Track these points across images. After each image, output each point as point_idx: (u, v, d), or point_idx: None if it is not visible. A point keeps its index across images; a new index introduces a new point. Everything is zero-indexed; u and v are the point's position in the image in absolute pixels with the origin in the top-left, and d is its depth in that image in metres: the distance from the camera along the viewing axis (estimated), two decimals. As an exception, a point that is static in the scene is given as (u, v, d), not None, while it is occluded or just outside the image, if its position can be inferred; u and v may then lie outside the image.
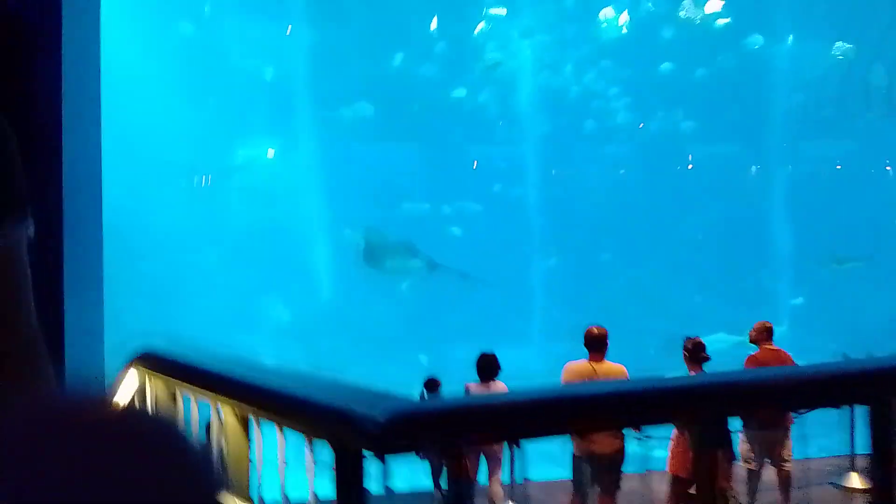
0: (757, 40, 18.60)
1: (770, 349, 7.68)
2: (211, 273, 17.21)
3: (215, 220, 17.72)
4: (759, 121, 19.02)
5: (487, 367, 7.40)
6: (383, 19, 18.52)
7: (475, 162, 19.17)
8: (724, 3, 18.24)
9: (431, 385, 8.65)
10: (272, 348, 14.04)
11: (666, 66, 18.54)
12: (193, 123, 17.25)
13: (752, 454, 7.54)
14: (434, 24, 18.38)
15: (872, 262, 16.32)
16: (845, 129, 18.45)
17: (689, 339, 6.93)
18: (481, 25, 18.70)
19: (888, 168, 18.96)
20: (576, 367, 6.97)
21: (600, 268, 18.07)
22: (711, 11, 18.31)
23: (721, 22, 18.32)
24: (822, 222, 17.30)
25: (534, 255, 18.53)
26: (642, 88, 18.75)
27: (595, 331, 6.95)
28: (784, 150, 19.27)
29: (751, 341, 7.80)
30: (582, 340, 7.00)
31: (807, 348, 14.68)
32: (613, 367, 6.84)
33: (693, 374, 6.62)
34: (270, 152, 18.79)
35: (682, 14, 18.43)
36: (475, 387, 7.36)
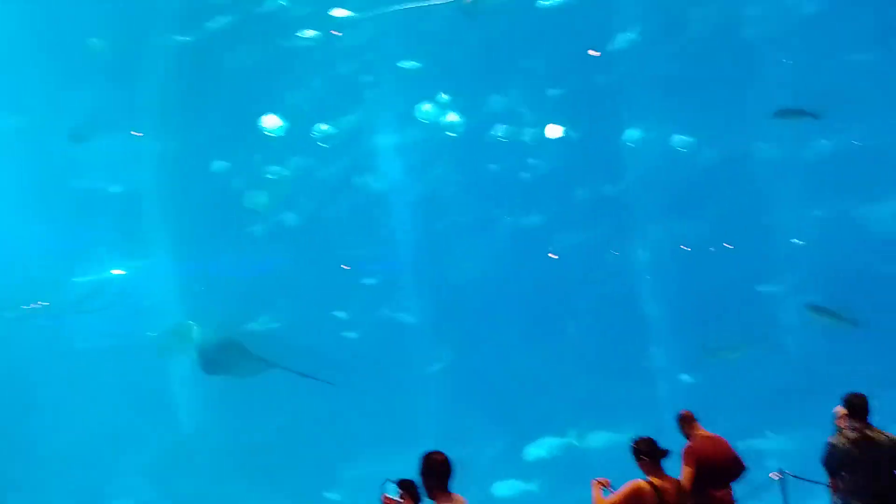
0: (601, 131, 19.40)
1: (706, 436, 7.33)
2: (57, 411, 15.22)
3: (60, 348, 15.83)
4: (612, 207, 19.76)
5: (444, 471, 5.06)
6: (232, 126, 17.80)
7: (345, 266, 18.52)
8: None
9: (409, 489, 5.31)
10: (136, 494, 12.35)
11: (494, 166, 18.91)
12: (29, 245, 15.60)
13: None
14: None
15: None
16: (692, 211, 19.50)
17: (639, 440, 6.29)
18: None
19: (729, 246, 20.06)
20: None
21: (486, 362, 17.67)
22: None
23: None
24: (687, 300, 17.97)
25: (419, 356, 17.88)
26: (484, 187, 19.05)
27: (438, 457, 5.06)
28: (638, 232, 20.04)
29: (683, 434, 7.41)
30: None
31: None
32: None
33: (653, 477, 6.03)
34: (119, 272, 17.22)
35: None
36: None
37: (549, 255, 19.91)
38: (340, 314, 17.46)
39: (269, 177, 17.34)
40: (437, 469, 5.03)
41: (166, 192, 17.69)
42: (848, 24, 17.61)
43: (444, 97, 17.44)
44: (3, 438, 14.49)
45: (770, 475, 8.70)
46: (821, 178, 18.20)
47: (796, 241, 19.48)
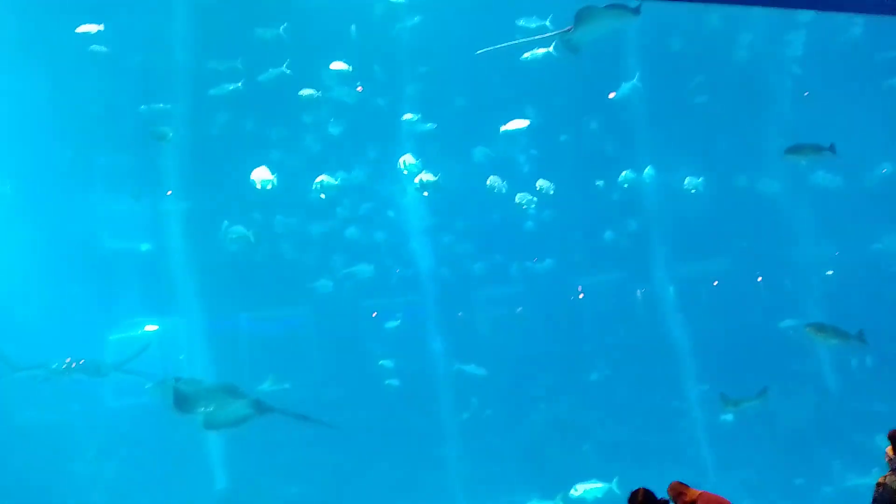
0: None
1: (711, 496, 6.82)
2: (91, 469, 15.30)
3: (92, 412, 15.98)
4: (636, 248, 19.80)
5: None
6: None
7: (374, 313, 18.66)
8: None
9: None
10: None
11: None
12: (60, 309, 15.90)
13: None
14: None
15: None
16: (716, 249, 19.54)
17: (636, 492, 6.05)
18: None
19: (759, 279, 20.11)
20: None
21: (515, 410, 17.58)
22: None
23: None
24: (712, 336, 17.87)
25: (446, 403, 17.84)
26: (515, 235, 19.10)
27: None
28: (663, 272, 20.07)
29: None
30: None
31: (732, 464, 14.68)
32: None
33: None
34: (152, 327, 17.48)
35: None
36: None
37: (579, 293, 19.95)
38: (386, 362, 17.35)
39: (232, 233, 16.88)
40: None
41: (189, 250, 17.89)
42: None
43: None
44: (36, 497, 14.52)
45: None
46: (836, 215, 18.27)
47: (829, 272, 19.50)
